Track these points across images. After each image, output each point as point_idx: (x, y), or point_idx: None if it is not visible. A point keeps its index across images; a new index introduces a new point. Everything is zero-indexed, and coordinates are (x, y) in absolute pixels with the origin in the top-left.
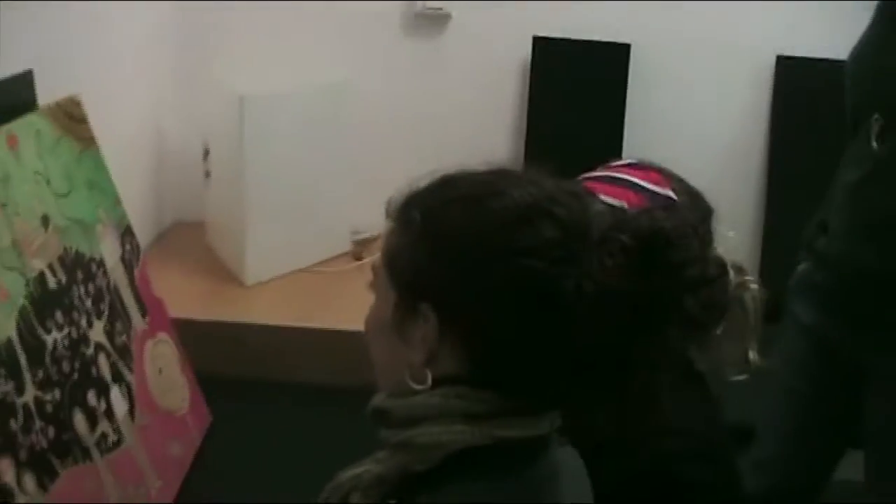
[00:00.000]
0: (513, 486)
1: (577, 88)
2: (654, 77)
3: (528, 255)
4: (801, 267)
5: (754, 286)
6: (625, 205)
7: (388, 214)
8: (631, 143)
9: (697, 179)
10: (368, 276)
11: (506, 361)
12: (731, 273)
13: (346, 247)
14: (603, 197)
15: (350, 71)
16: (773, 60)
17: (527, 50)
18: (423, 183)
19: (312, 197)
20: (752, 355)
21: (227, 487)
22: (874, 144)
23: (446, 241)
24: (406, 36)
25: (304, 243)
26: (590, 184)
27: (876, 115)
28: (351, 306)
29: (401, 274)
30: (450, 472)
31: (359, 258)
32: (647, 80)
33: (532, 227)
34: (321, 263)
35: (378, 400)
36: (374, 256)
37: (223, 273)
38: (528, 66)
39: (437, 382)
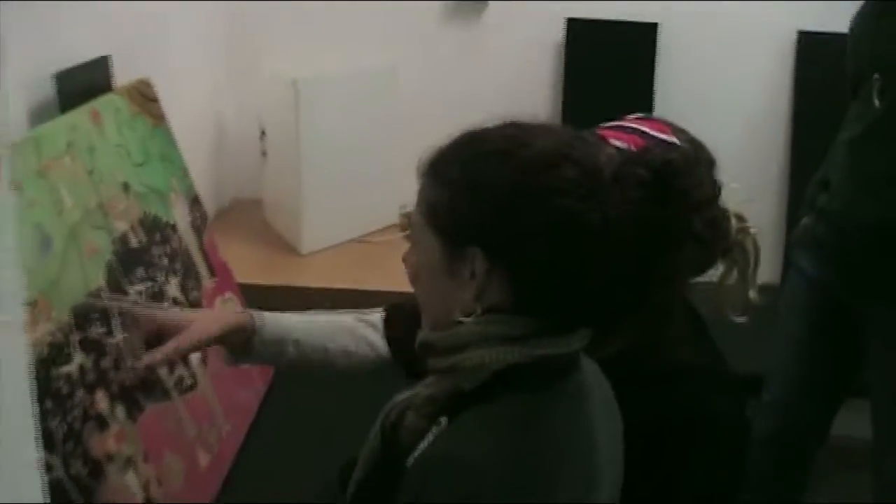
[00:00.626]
0: (550, 398)
1: (609, 67)
2: (681, 54)
3: (557, 194)
4: (804, 221)
5: (754, 230)
6: (632, 147)
7: (420, 173)
8: (659, 115)
9: (723, 153)
10: None
11: (545, 288)
12: (733, 220)
13: (394, 219)
14: (612, 141)
15: (395, 56)
16: (794, 36)
17: (560, 32)
18: (448, 142)
19: (362, 173)
20: (753, 295)
21: (287, 435)
22: (875, 102)
23: (487, 190)
24: (446, 22)
25: (355, 216)
26: (602, 131)
27: (876, 75)
28: (398, 271)
29: (445, 223)
30: (494, 389)
31: (405, 229)
32: (674, 58)
33: (557, 169)
34: (371, 234)
35: (423, 335)
36: (407, 210)
37: (280, 244)
38: (562, 47)
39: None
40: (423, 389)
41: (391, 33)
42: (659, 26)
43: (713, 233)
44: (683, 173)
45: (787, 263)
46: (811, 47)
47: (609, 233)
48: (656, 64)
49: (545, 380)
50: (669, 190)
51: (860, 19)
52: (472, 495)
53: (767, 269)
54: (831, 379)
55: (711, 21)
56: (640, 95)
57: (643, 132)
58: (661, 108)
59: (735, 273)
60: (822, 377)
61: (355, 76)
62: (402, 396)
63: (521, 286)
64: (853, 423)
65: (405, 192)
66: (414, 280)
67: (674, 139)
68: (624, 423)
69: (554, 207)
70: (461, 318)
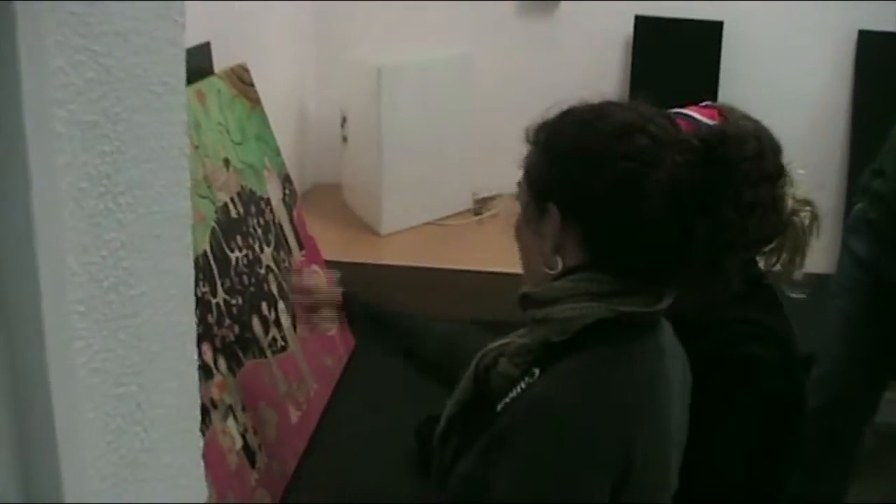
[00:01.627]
0: (632, 353)
1: (675, 63)
2: (745, 52)
3: (621, 160)
4: (857, 206)
5: (804, 216)
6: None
7: (526, 139)
8: None
9: (784, 148)
10: (487, 229)
11: (614, 245)
12: (790, 202)
13: (468, 204)
14: None
15: (473, 46)
16: (855, 35)
17: (629, 28)
18: (551, 112)
19: (438, 159)
20: (797, 274)
21: (368, 398)
22: None
23: (562, 153)
24: (521, 15)
25: (431, 200)
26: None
27: None
28: (472, 253)
29: (533, 183)
30: (582, 341)
31: (478, 214)
32: (737, 55)
33: (627, 138)
34: (446, 218)
35: (524, 288)
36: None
37: (360, 225)
38: (631, 43)
39: (567, 272)
40: (516, 339)
41: (468, 25)
42: (724, 24)
43: (766, 209)
44: (732, 143)
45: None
46: (871, 46)
47: (667, 195)
48: (721, 61)
49: (629, 335)
50: (714, 156)
51: None
52: (564, 430)
53: (825, 259)
54: (879, 358)
55: (774, 20)
56: (704, 91)
57: (691, 117)
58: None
59: (784, 252)
60: (869, 355)
61: (434, 65)
62: (496, 344)
63: (590, 241)
64: None
65: (479, 178)
66: (516, 238)
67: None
68: None
69: (617, 171)
70: (551, 273)
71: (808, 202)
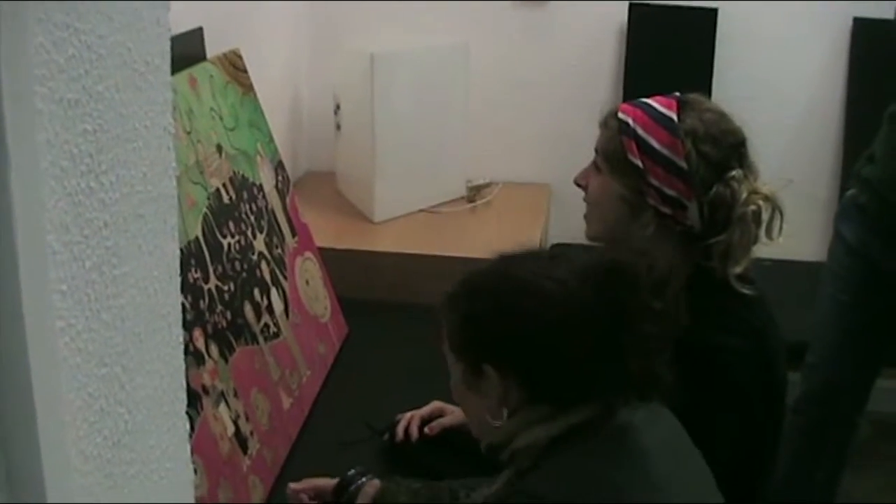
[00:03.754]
0: (591, 450)
1: (670, 51)
2: (739, 40)
3: (538, 308)
4: (849, 192)
5: (754, 208)
6: (629, 120)
7: (441, 315)
8: (716, 99)
9: (777, 136)
10: (481, 217)
11: (547, 380)
12: (745, 193)
13: (462, 192)
14: (619, 112)
15: (468, 34)
16: (850, 22)
17: (623, 16)
18: (455, 284)
19: (432, 147)
20: (739, 268)
21: (360, 385)
22: None
23: (488, 318)
24: (517, 3)
25: (425, 188)
26: (622, 105)
27: None
28: (465, 240)
29: (465, 351)
30: (545, 459)
31: (472, 202)
32: (732, 42)
33: (535, 288)
34: (439, 205)
35: (483, 443)
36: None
37: (353, 213)
38: (625, 31)
39: (512, 413)
40: (500, 481)
41: (464, 13)
42: (718, 12)
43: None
44: (620, 280)
45: None
46: (866, 34)
47: (580, 327)
48: (715, 48)
49: (583, 439)
50: (603, 294)
51: None
52: None
53: (820, 249)
54: (869, 345)
55: (769, 8)
56: (698, 78)
57: (647, 105)
58: (718, 91)
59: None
60: (859, 342)
61: (428, 53)
62: (485, 491)
63: (529, 385)
64: None
65: (473, 165)
66: (458, 401)
67: (672, 114)
68: None
69: (536, 319)
70: (495, 423)
71: (768, 197)
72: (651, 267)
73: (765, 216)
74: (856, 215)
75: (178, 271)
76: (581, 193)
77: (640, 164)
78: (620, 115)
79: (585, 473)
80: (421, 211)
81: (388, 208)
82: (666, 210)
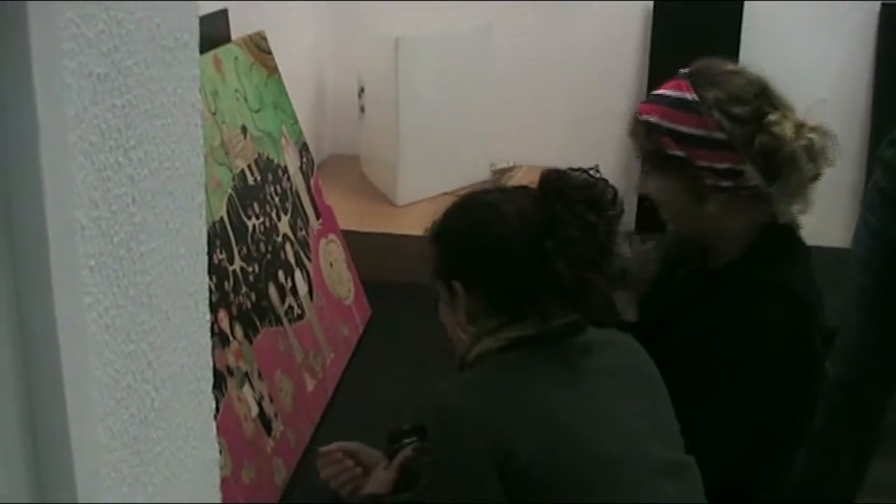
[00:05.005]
0: (511, 362)
1: (695, 36)
2: (765, 26)
3: (489, 223)
4: (874, 177)
5: (805, 142)
6: (652, 118)
7: (428, 241)
8: None
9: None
10: None
11: (494, 287)
12: (790, 127)
13: (486, 175)
14: (640, 116)
15: (492, 18)
16: (878, 10)
17: (650, 1)
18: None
19: (456, 130)
20: (797, 207)
21: (383, 367)
22: None
23: (452, 239)
24: None
25: (448, 171)
26: (640, 106)
27: None
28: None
29: (440, 272)
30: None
31: (496, 184)
32: (758, 30)
33: (491, 209)
34: (463, 189)
35: (457, 358)
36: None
37: (376, 196)
38: (650, 16)
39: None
40: None
41: None
42: None
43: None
44: (562, 180)
45: None
46: (894, 21)
47: (520, 233)
48: (741, 35)
49: (521, 353)
50: (549, 192)
51: None
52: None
53: (847, 235)
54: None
55: None
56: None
57: (657, 96)
58: None
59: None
60: (885, 327)
61: (452, 36)
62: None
63: (485, 295)
64: None
65: (496, 148)
66: (441, 319)
67: (688, 95)
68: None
69: (489, 233)
70: (468, 338)
71: (814, 128)
72: (590, 183)
73: (820, 145)
74: (878, 199)
75: (205, 249)
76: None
77: (681, 153)
78: (641, 116)
79: (489, 381)
80: (444, 194)
81: (412, 191)
82: (726, 184)
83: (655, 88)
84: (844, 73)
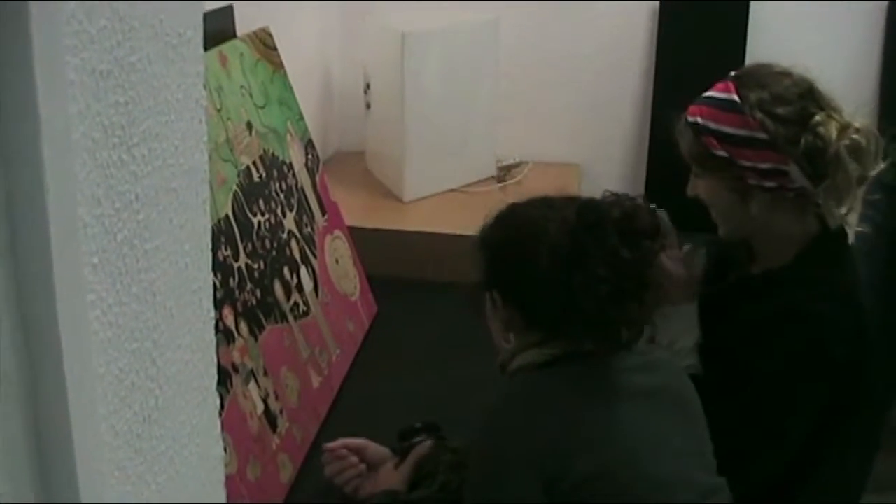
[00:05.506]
0: (553, 376)
1: (702, 32)
2: (772, 22)
3: (524, 242)
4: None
5: (855, 137)
6: (698, 119)
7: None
8: None
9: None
10: (511, 196)
11: (529, 305)
12: (835, 128)
13: (492, 171)
14: (688, 116)
15: (499, 13)
16: (885, 7)
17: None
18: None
19: (462, 126)
20: (844, 208)
21: (390, 363)
22: None
23: (492, 250)
24: None
25: (455, 167)
26: (690, 108)
27: None
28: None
29: (483, 280)
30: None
31: (502, 181)
32: (765, 25)
33: (531, 227)
34: (469, 185)
35: (497, 363)
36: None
37: (383, 192)
38: (658, 8)
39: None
40: None
41: None
42: None
43: (643, 262)
44: (600, 210)
45: None
46: None
47: (551, 260)
48: (748, 30)
49: (568, 370)
50: (585, 223)
51: None
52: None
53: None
54: None
55: None
56: (731, 57)
57: (705, 98)
58: None
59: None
60: (887, 322)
61: (459, 31)
62: None
63: (523, 310)
64: None
65: (503, 145)
66: (489, 325)
67: (733, 96)
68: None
69: (523, 252)
70: (509, 346)
71: (859, 129)
72: (628, 215)
73: (865, 145)
74: (882, 194)
75: (210, 246)
76: (611, 175)
77: (725, 154)
78: (689, 118)
79: (542, 397)
80: (451, 190)
81: (418, 187)
82: (770, 184)
83: (662, 85)
84: (851, 71)
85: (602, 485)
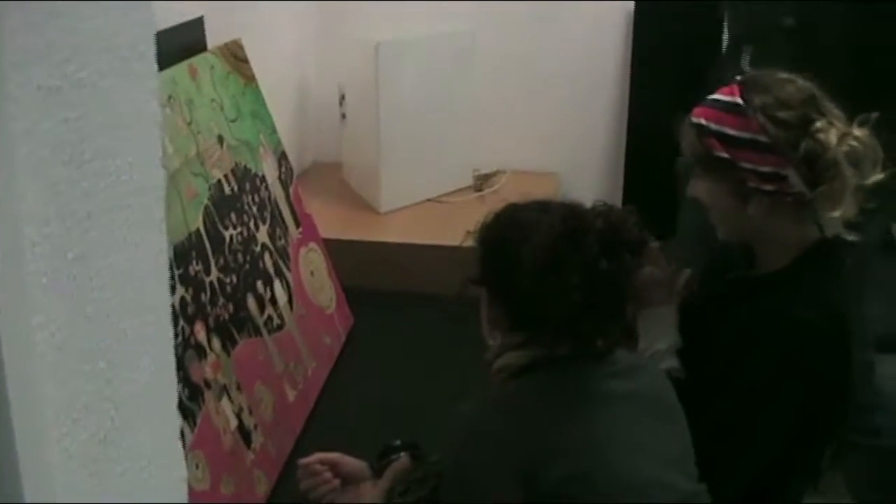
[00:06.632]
0: (531, 382)
1: (677, 38)
2: None
3: (514, 244)
4: None
5: (854, 144)
6: (702, 120)
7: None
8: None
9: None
10: (488, 206)
11: (511, 306)
12: (834, 133)
13: (469, 181)
14: (692, 118)
15: (475, 23)
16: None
17: (630, 4)
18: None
19: (438, 136)
20: (836, 213)
21: (366, 376)
22: None
23: (484, 248)
24: None
25: (431, 177)
26: (695, 109)
27: None
28: (471, 229)
29: (477, 274)
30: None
31: (479, 190)
32: None
33: (521, 230)
34: (446, 195)
35: (484, 358)
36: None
37: (359, 203)
38: (632, 16)
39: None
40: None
41: (471, 1)
42: None
43: (622, 277)
44: (581, 219)
45: None
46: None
47: (533, 267)
48: (723, 36)
49: (548, 374)
50: (566, 231)
51: None
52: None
53: None
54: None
55: None
56: (707, 63)
57: (709, 100)
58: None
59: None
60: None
61: (434, 41)
62: None
63: (507, 311)
64: None
65: (480, 154)
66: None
67: (737, 99)
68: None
69: (509, 254)
70: (490, 341)
71: (859, 137)
72: (613, 227)
73: (864, 152)
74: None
75: (167, 264)
76: (589, 182)
77: (726, 155)
78: (693, 119)
79: (519, 402)
80: (428, 200)
81: (395, 198)
82: (769, 187)
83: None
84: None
85: (578, 488)
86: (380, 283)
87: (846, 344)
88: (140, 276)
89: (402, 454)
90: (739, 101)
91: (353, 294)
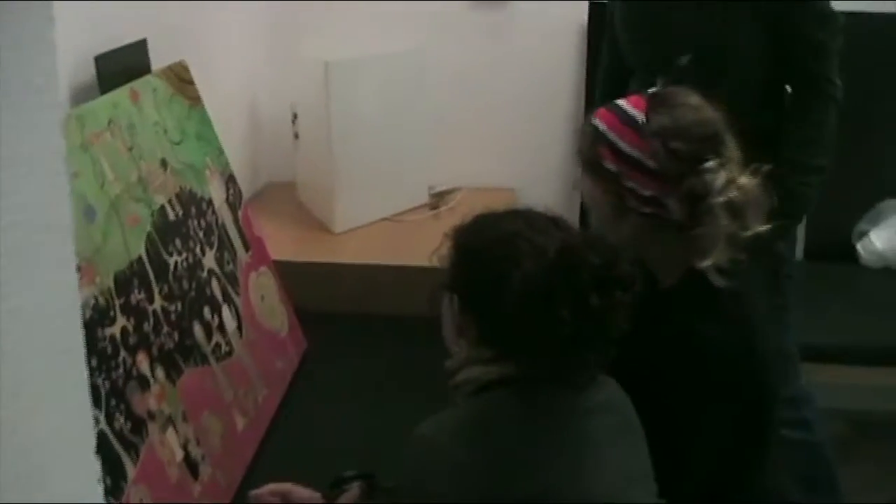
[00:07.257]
0: (492, 401)
1: None
2: None
3: (498, 260)
4: None
5: (734, 194)
6: (602, 125)
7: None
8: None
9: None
10: (444, 223)
11: (488, 324)
12: (721, 178)
13: (424, 199)
14: (594, 118)
15: (426, 40)
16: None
17: (583, 17)
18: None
19: (393, 154)
20: (707, 261)
21: (320, 401)
22: None
23: (461, 254)
24: (474, 7)
25: (386, 196)
26: (600, 109)
27: None
28: (429, 248)
29: (447, 279)
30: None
31: (435, 208)
32: None
33: (506, 243)
34: (402, 213)
35: (446, 365)
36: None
37: (314, 224)
38: (586, 30)
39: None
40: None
41: (420, 16)
42: None
43: (612, 312)
44: (578, 254)
45: None
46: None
47: (521, 292)
48: None
49: (508, 392)
50: (561, 264)
51: None
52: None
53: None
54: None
55: None
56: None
57: (616, 106)
58: None
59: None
60: None
61: (385, 59)
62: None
63: (479, 324)
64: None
65: (435, 172)
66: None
67: (639, 114)
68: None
69: (492, 269)
70: (454, 348)
71: (743, 187)
72: (609, 264)
73: (743, 203)
74: None
75: (78, 304)
76: (546, 198)
77: (614, 168)
78: (594, 120)
79: (474, 424)
80: (383, 220)
81: (349, 218)
82: (647, 210)
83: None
84: None
85: None
86: (335, 305)
87: (750, 344)
88: (51, 317)
89: (356, 483)
90: (641, 117)
91: (307, 317)
